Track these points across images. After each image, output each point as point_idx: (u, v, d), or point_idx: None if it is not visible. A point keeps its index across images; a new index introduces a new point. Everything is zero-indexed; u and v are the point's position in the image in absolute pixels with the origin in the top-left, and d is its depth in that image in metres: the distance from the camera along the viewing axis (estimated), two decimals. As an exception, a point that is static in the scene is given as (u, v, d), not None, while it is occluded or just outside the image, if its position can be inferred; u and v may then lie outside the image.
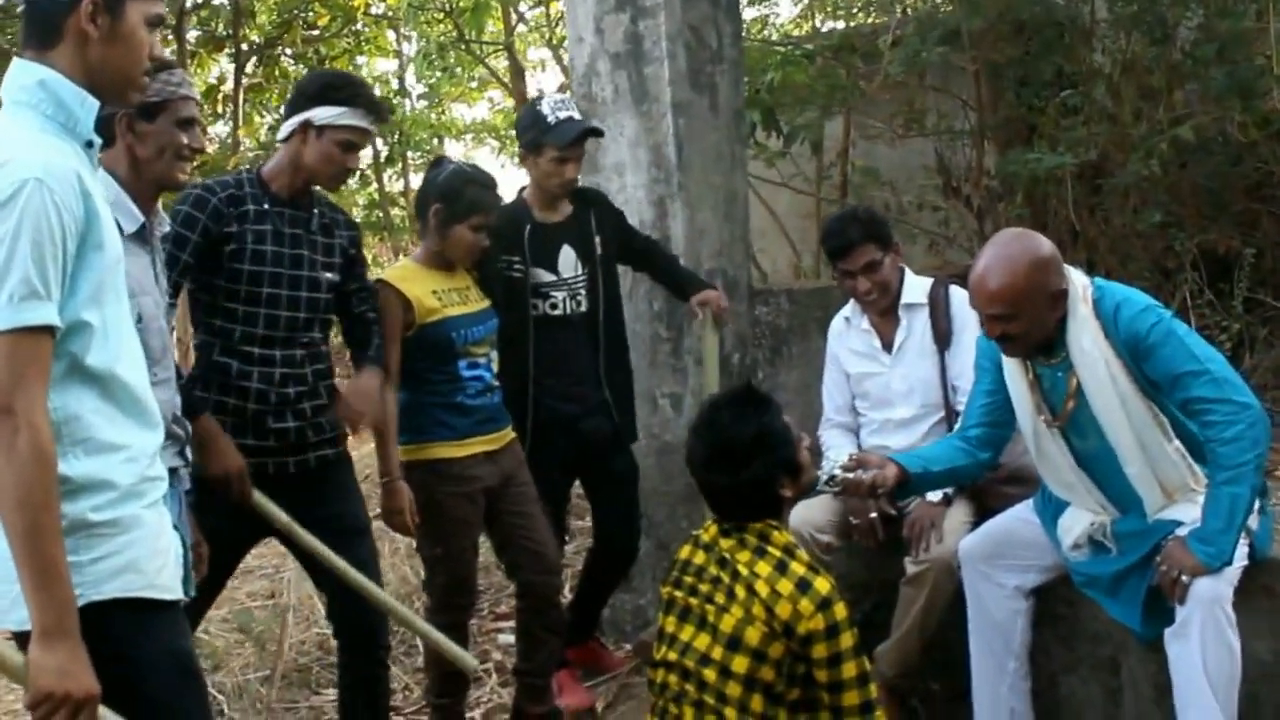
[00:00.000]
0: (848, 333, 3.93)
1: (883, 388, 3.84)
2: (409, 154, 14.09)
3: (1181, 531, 2.97)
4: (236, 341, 3.14)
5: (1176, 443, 3.05)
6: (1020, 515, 3.42)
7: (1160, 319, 2.97)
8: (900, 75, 5.51)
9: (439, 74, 10.48)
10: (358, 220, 12.26)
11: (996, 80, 5.70)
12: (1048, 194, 5.48)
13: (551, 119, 3.85)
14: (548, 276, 3.96)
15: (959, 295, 3.71)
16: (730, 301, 4.49)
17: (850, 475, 3.18)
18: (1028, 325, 3.01)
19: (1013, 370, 3.20)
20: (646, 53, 4.34)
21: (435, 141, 13.75)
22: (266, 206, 3.18)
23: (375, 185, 14.20)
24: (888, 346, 3.83)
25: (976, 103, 5.77)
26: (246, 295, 3.14)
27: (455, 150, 13.90)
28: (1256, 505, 3.01)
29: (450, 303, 3.57)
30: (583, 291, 4.01)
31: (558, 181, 3.92)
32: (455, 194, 3.55)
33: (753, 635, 2.60)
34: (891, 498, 3.48)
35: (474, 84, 12.93)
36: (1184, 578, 2.88)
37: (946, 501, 3.60)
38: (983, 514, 3.57)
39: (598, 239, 4.03)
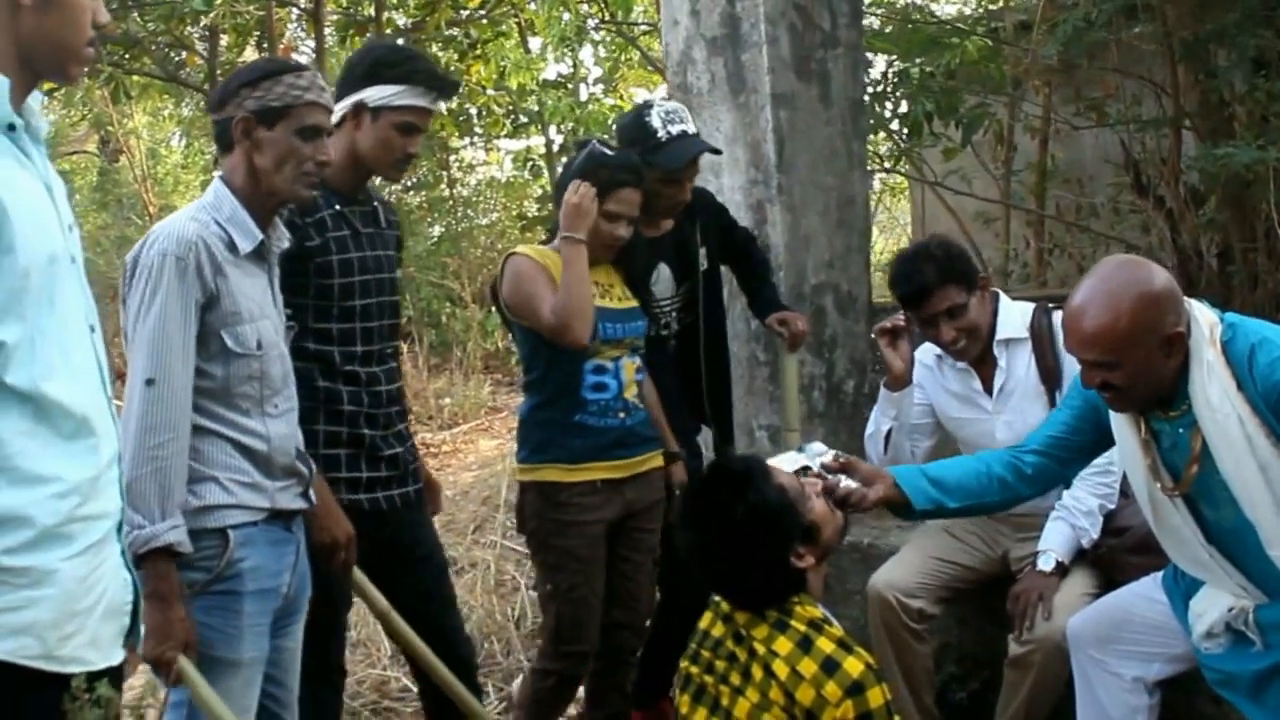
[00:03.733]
0: (941, 372, 3.67)
1: (987, 437, 3.57)
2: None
3: (1340, 627, 2.63)
4: (339, 364, 3.08)
5: None
6: (1145, 592, 3.10)
7: None
8: (1052, 59, 5.15)
9: (571, 56, 10.44)
10: (530, 215, 12.28)
11: (1196, 59, 5.26)
12: (1260, 197, 5.02)
13: (662, 134, 3.69)
14: None
15: None
16: (845, 320, 4.30)
17: (828, 476, 2.85)
18: (1134, 376, 2.67)
19: (1122, 424, 2.88)
20: (744, 36, 4.18)
21: (613, 129, 13.74)
22: (338, 208, 3.11)
23: (547, 177, 14.30)
24: (989, 389, 3.56)
25: (1171, 85, 5.34)
26: (340, 312, 3.08)
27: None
28: None
29: None
30: (674, 313, 3.90)
31: (665, 204, 3.79)
32: (588, 177, 3.44)
33: None
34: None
35: (652, 68, 12.90)
36: None
37: (1061, 571, 3.33)
38: (1107, 587, 3.29)
39: (702, 251, 3.91)
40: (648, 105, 3.84)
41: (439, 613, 3.32)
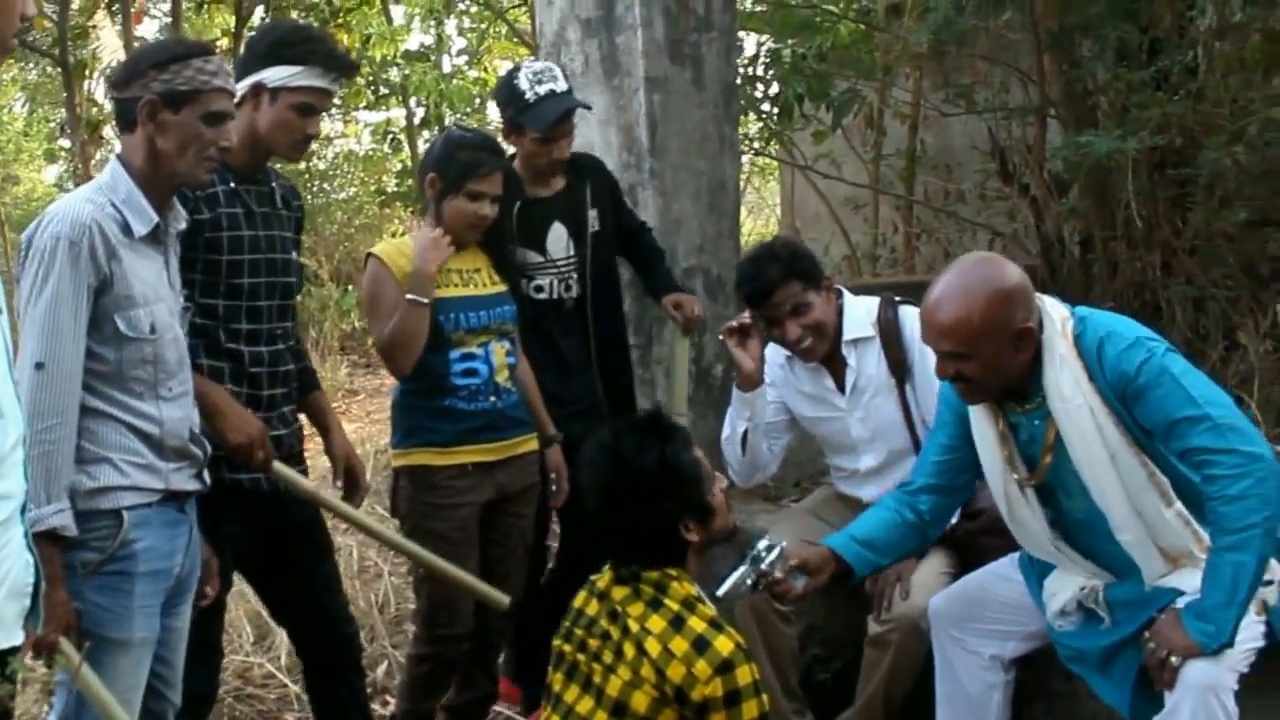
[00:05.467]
0: (793, 372, 3.84)
1: (843, 434, 3.77)
2: (448, 117, 14.05)
3: (1182, 603, 2.84)
4: (223, 342, 3.15)
5: (1178, 505, 2.90)
6: (1002, 572, 3.32)
7: (1151, 355, 2.83)
8: (922, 46, 5.36)
9: (436, 28, 10.42)
10: (389, 190, 12.16)
11: (1061, 48, 5.51)
12: (1120, 187, 5.27)
13: (530, 95, 3.83)
14: (535, 258, 3.97)
15: (911, 316, 3.62)
16: (715, 304, 4.44)
17: (779, 578, 3.00)
18: (985, 368, 2.90)
19: (980, 418, 3.08)
20: (619, 19, 4.30)
21: (478, 103, 13.69)
22: (232, 185, 3.18)
23: (408, 152, 14.20)
24: (841, 387, 3.74)
25: (1038, 74, 5.58)
26: (227, 289, 3.14)
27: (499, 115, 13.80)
28: (1278, 577, 2.86)
29: (447, 283, 3.55)
30: (574, 275, 4.01)
31: (545, 161, 3.94)
32: (447, 160, 3.54)
33: (640, 701, 2.58)
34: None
35: (519, 40, 12.94)
36: (1174, 659, 2.75)
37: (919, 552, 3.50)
38: (963, 568, 3.49)
39: (593, 213, 4.03)
40: (517, 68, 3.97)
41: (322, 590, 3.44)
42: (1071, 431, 2.89)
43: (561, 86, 3.88)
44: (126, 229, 2.72)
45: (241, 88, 3.17)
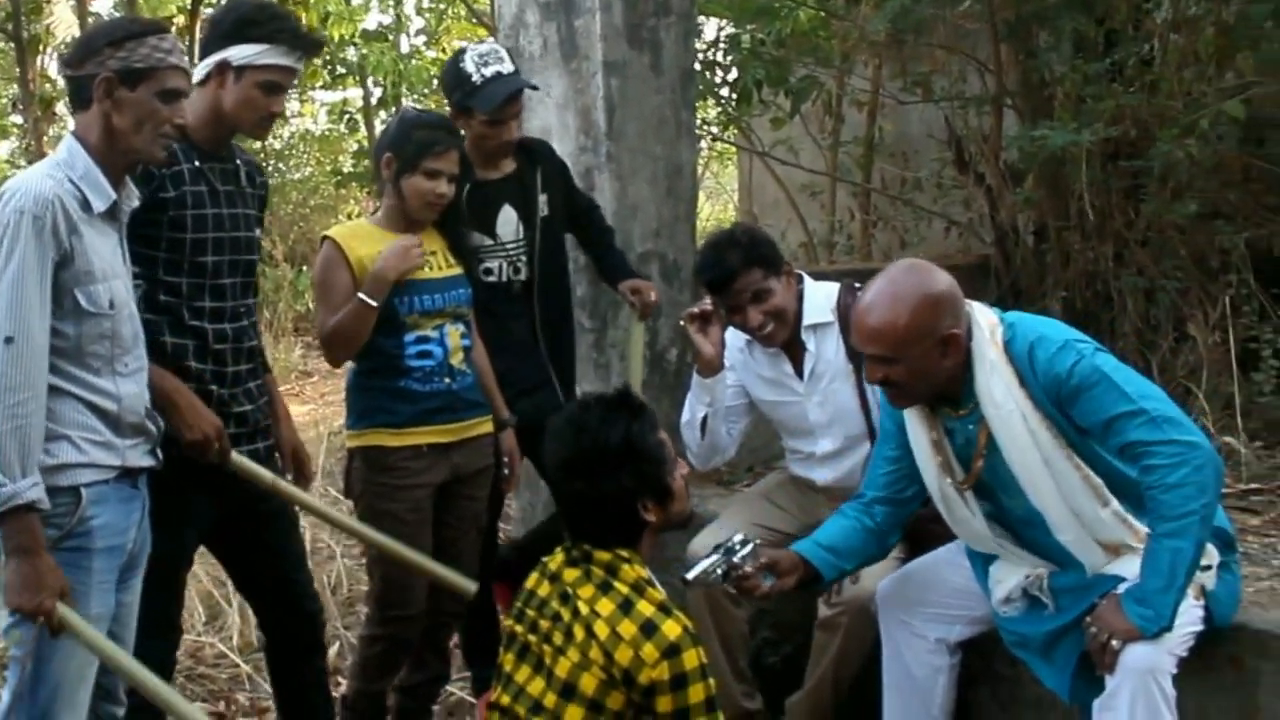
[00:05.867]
0: (752, 356, 3.89)
1: (800, 418, 3.82)
2: (405, 98, 14.04)
3: (1122, 588, 2.91)
4: (186, 319, 3.16)
5: (1114, 504, 2.98)
6: (949, 558, 3.38)
7: (1081, 356, 2.90)
8: (879, 34, 5.42)
9: (395, 7, 10.47)
10: (345, 171, 12.11)
11: (1018, 38, 5.57)
12: (1074, 177, 5.35)
13: (476, 78, 3.84)
14: (485, 241, 3.98)
15: None
16: (670, 289, 4.48)
17: (749, 572, 3.06)
18: (912, 373, 2.97)
19: (915, 423, 3.15)
20: (577, 2, 4.33)
21: (435, 84, 13.70)
22: (197, 163, 3.18)
23: (364, 132, 14.19)
24: (800, 372, 3.79)
25: (995, 64, 5.66)
26: (190, 267, 3.15)
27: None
28: (1216, 562, 2.95)
29: None
30: (523, 258, 4.03)
31: (494, 144, 3.95)
32: (403, 139, 3.55)
33: (588, 683, 2.60)
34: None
35: (477, 21, 12.94)
36: (1114, 643, 2.81)
37: (870, 537, 3.56)
38: (913, 553, 3.54)
39: (543, 198, 4.05)
40: (462, 51, 3.97)
41: (289, 568, 3.47)
42: (1004, 436, 2.97)
43: (508, 68, 3.89)
44: (86, 205, 2.74)
45: (206, 65, 3.19)
